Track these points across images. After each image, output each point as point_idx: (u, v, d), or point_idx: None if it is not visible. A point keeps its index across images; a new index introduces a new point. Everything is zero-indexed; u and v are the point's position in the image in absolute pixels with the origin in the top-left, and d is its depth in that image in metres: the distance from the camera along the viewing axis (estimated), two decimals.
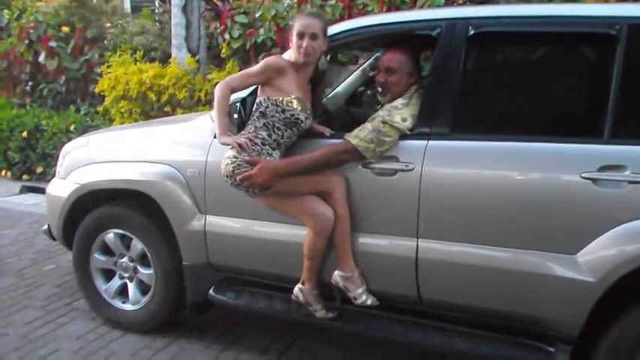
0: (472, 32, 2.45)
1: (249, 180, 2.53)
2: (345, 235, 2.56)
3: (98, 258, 3.33)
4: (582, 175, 2.19)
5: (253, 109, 2.67)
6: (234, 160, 2.58)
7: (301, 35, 2.58)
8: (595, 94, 2.46)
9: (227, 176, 2.61)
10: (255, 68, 2.65)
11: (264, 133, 2.60)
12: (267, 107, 2.60)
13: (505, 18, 2.52)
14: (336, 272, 2.61)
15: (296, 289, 2.70)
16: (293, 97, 2.60)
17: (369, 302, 2.59)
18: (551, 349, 2.33)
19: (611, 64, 2.26)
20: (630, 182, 2.14)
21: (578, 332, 2.28)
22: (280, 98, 2.59)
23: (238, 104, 2.70)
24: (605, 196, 2.18)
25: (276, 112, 2.58)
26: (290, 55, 2.66)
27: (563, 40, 2.48)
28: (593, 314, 2.23)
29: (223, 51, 6.28)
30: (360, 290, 2.58)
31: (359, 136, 2.50)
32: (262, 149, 2.58)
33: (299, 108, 2.59)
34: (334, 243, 2.58)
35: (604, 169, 2.18)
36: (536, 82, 2.65)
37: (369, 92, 3.86)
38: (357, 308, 2.63)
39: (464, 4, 4.42)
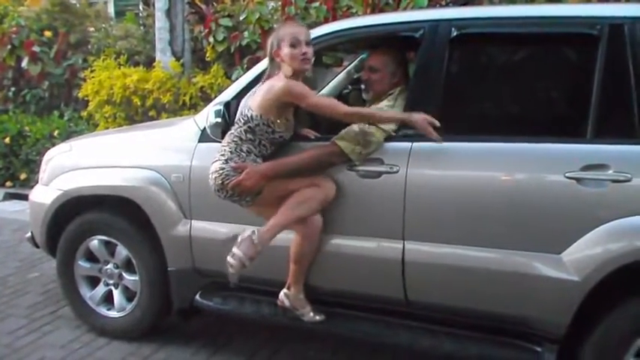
0: (455, 33, 2.46)
1: (239, 186, 2.51)
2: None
3: (82, 265, 3.29)
4: (566, 174, 2.21)
5: (241, 119, 2.58)
6: (220, 171, 2.55)
7: (296, 44, 2.49)
8: (578, 93, 2.49)
9: (218, 190, 2.58)
10: (303, 90, 2.49)
11: (249, 145, 2.57)
12: (257, 125, 2.53)
13: (488, 19, 2.54)
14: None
15: (281, 295, 2.69)
16: (285, 119, 2.56)
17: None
18: (538, 349, 2.34)
19: (593, 63, 2.28)
20: (613, 181, 2.15)
21: (564, 331, 2.28)
22: (276, 120, 2.53)
23: (222, 108, 2.68)
24: (588, 196, 2.19)
25: (266, 131, 2.54)
26: (285, 70, 2.54)
27: (546, 40, 2.50)
28: (579, 313, 2.24)
29: (208, 54, 6.26)
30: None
31: (345, 138, 2.50)
32: (247, 156, 2.56)
33: (289, 128, 2.60)
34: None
35: (587, 168, 2.19)
36: (519, 82, 2.67)
37: (354, 94, 3.86)
38: (345, 311, 2.63)
39: (447, 5, 4.43)
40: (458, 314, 2.50)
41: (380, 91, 2.68)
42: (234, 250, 2.52)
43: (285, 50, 2.51)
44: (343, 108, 2.50)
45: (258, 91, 2.59)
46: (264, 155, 2.60)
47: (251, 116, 2.54)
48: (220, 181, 2.55)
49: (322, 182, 2.53)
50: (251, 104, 2.56)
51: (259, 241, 2.50)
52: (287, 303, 2.69)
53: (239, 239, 2.53)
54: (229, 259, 2.52)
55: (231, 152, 2.56)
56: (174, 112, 5.88)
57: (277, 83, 2.51)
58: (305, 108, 2.55)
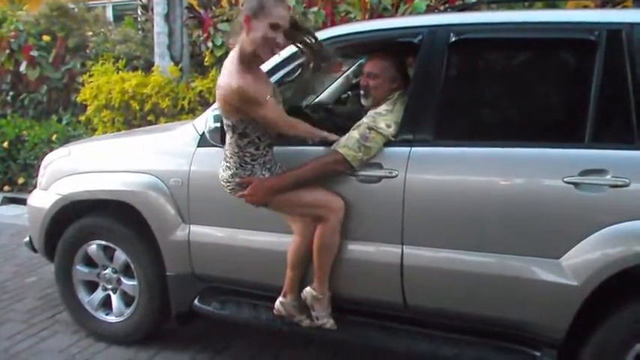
0: (453, 39, 2.46)
1: (246, 200, 2.52)
2: (329, 261, 2.55)
3: (81, 270, 3.28)
4: (564, 179, 2.21)
5: (228, 132, 2.48)
6: (227, 185, 2.55)
7: (276, 27, 2.26)
8: (576, 98, 2.49)
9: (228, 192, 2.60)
10: (258, 96, 2.32)
11: (251, 149, 2.49)
12: (245, 127, 2.43)
13: (486, 24, 2.54)
14: (309, 289, 2.61)
15: (277, 303, 2.68)
16: (268, 97, 2.37)
17: (328, 326, 2.61)
18: (537, 353, 2.34)
19: (591, 69, 2.29)
20: (611, 186, 2.16)
21: (563, 336, 2.28)
22: (250, 123, 2.43)
23: (218, 112, 2.67)
24: (587, 200, 2.20)
25: (257, 127, 2.44)
26: (245, 45, 2.32)
27: (544, 45, 2.51)
28: (578, 317, 2.24)
29: (206, 59, 6.26)
30: (324, 313, 2.61)
31: (347, 146, 2.49)
32: (254, 165, 2.50)
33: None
34: (317, 264, 2.56)
35: (585, 173, 2.20)
36: (517, 87, 2.67)
37: (352, 100, 3.87)
38: (342, 316, 2.63)
39: (445, 11, 4.44)
40: (456, 319, 2.50)
41: (379, 97, 2.67)
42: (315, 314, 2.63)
43: (262, 28, 2.26)
44: (288, 128, 2.49)
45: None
46: (268, 149, 2.53)
47: (233, 124, 2.44)
48: (228, 190, 2.57)
49: (330, 204, 2.52)
50: (227, 114, 2.45)
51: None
52: (283, 311, 2.68)
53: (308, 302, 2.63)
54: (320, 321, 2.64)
55: (236, 167, 2.50)
56: (173, 117, 5.88)
57: (229, 82, 2.31)
58: (255, 117, 2.38)
